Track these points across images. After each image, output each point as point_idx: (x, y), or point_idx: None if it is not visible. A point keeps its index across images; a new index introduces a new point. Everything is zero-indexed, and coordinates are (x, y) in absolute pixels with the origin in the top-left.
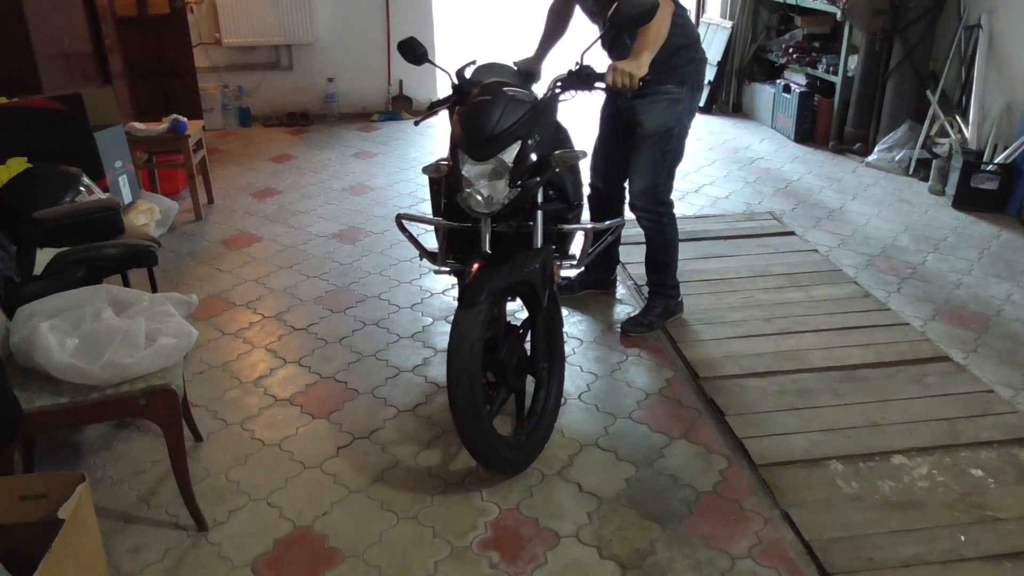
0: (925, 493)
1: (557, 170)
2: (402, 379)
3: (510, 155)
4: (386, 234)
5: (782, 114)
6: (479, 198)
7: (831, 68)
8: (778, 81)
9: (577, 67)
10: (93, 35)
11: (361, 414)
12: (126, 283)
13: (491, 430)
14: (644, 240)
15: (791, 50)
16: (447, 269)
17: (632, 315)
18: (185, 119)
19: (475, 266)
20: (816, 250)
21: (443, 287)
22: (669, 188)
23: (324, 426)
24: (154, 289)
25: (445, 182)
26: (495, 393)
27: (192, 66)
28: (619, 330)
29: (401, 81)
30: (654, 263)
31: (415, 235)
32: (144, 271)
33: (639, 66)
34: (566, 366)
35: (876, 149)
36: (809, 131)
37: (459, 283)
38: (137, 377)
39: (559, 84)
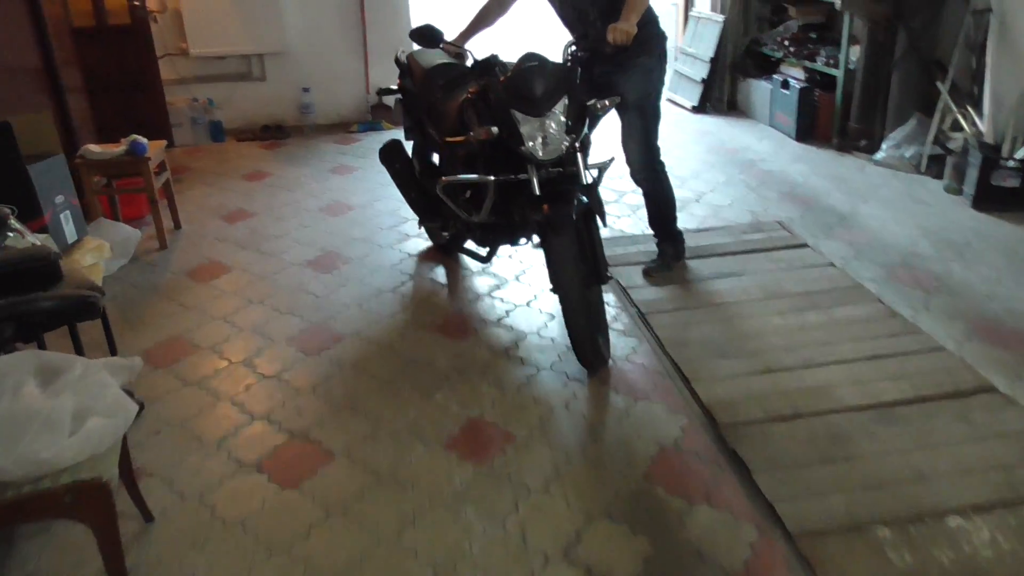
0: (992, 564)
1: (600, 116)
2: (382, 434)
3: (561, 108)
4: (366, 259)
5: (781, 111)
6: (544, 147)
7: (831, 61)
8: (775, 76)
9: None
10: (41, 48)
11: (336, 481)
12: (73, 331)
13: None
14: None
15: (786, 43)
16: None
17: (650, 265)
18: (145, 140)
19: (543, 206)
20: (832, 263)
21: (429, 318)
22: (658, 146)
23: (294, 498)
24: (108, 336)
25: (483, 145)
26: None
27: (157, 78)
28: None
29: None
30: (660, 217)
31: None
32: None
33: (632, 25)
34: (567, 413)
35: (884, 146)
36: (810, 128)
37: (527, 227)
38: (61, 470)
39: (573, 46)
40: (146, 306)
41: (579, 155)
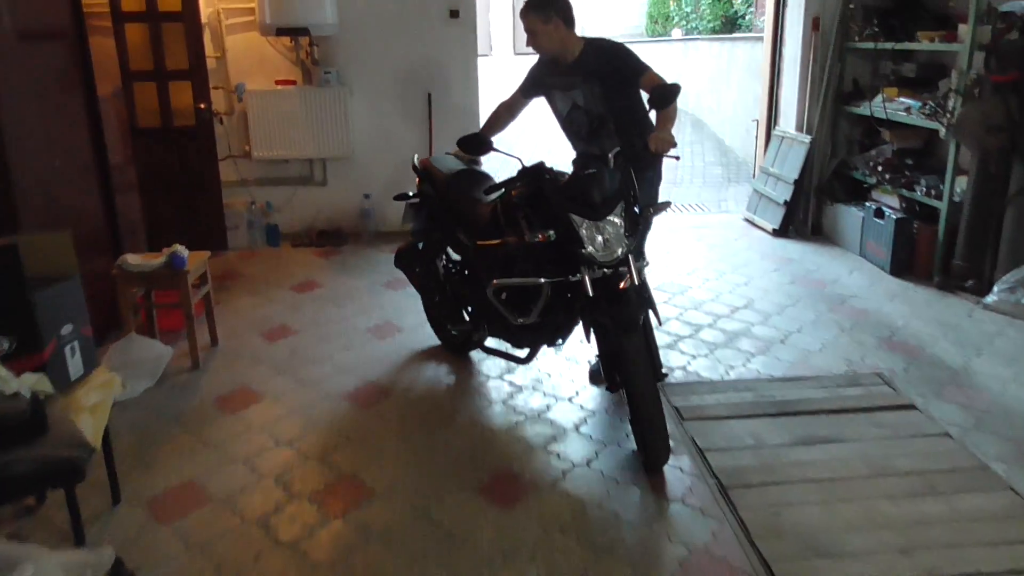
0: None
1: (651, 221)
2: None
3: (619, 213)
4: (409, 393)
5: (874, 241)
6: (604, 250)
7: (933, 191)
8: (867, 204)
9: (634, 143)
10: (95, 149)
11: None
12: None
13: None
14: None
15: (880, 168)
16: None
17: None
18: (185, 253)
19: (610, 307)
20: (947, 433)
21: (474, 475)
22: (645, 252)
23: None
24: (112, 477)
25: (528, 248)
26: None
27: (217, 180)
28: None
29: None
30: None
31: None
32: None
33: (672, 135)
34: None
35: (995, 288)
36: (907, 262)
37: (598, 333)
38: None
39: (620, 155)
40: (164, 440)
41: (630, 258)
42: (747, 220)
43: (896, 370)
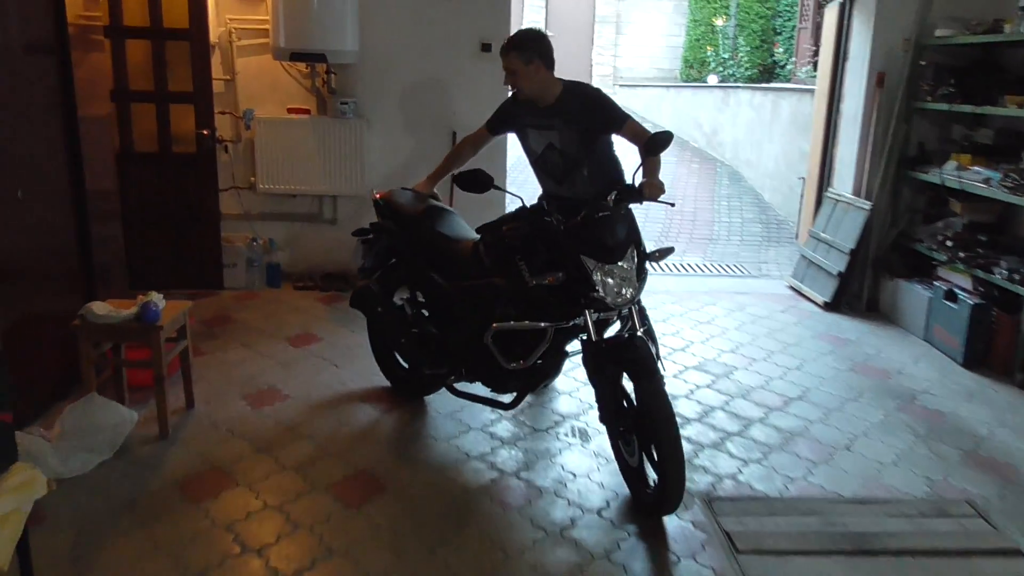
0: None
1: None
2: None
3: (630, 256)
4: (408, 490)
5: (943, 326)
6: (616, 294)
7: (1016, 275)
8: (936, 283)
9: (628, 186)
10: (71, 174)
11: None
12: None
13: None
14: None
15: (949, 243)
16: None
17: None
18: (159, 304)
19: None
20: None
21: None
22: None
23: None
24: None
25: (519, 292)
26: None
27: (216, 213)
28: None
29: None
30: None
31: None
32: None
33: (661, 181)
34: None
35: None
36: (983, 354)
37: (605, 370)
38: None
39: (618, 199)
40: (108, 538)
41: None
42: (793, 288)
43: (989, 497)
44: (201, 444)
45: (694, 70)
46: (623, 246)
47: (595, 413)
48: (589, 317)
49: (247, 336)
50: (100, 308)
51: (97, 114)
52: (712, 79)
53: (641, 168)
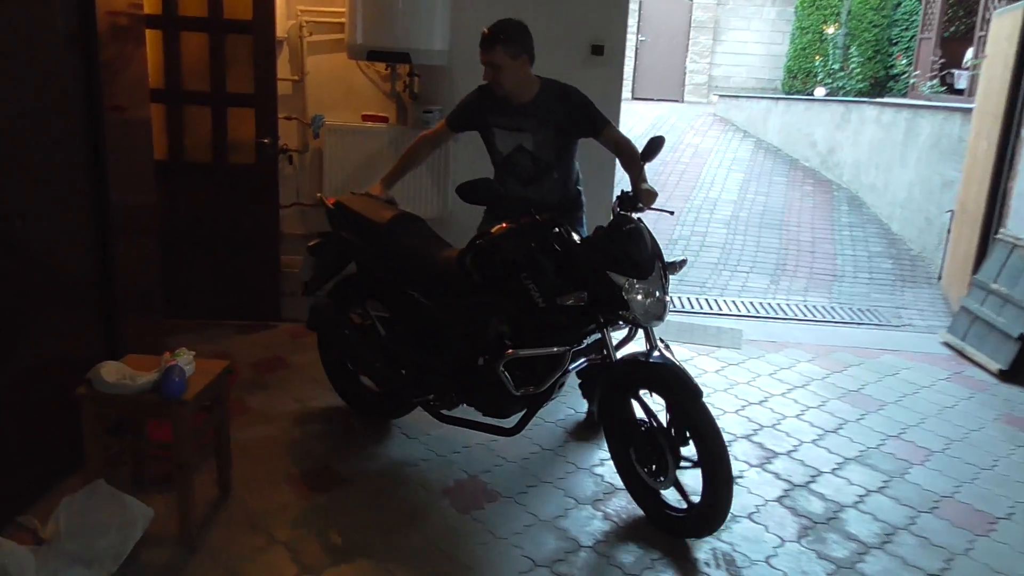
0: None
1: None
2: None
3: (659, 271)
4: None
5: None
6: (649, 311)
7: None
8: None
9: (630, 193)
10: (92, 185)
11: None
12: None
13: None
14: None
15: None
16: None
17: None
18: (189, 365)
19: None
20: None
21: None
22: None
23: None
24: None
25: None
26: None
27: (275, 234)
28: None
29: None
30: None
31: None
32: None
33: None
34: None
35: None
36: None
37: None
38: None
39: (621, 209)
40: None
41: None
42: (952, 347)
43: None
44: (233, 553)
45: (798, 81)
46: (651, 260)
47: None
48: (609, 336)
49: (303, 388)
50: (112, 372)
51: (131, 117)
52: (819, 91)
53: (630, 175)
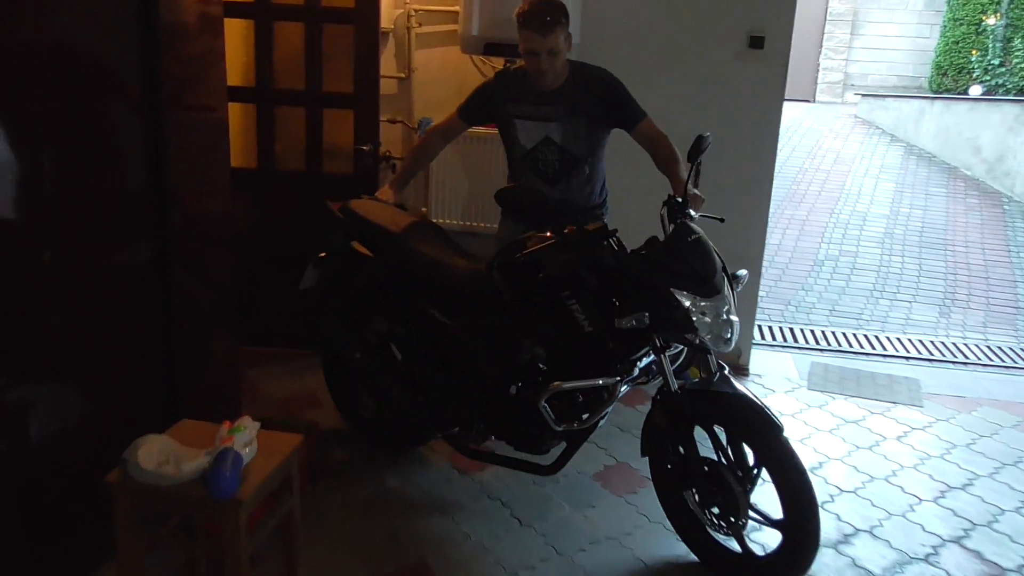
0: None
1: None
2: None
3: (728, 287)
4: None
5: None
6: (721, 333)
7: None
8: None
9: (679, 200)
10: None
11: None
12: None
13: None
14: None
15: None
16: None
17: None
18: (242, 456)
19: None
20: None
21: None
22: None
23: None
24: None
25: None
26: None
27: None
28: None
29: None
30: None
31: None
32: None
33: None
34: None
35: None
36: None
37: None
38: None
39: (669, 217)
40: None
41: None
42: None
43: None
44: None
45: (948, 78)
46: (721, 275)
47: None
48: (667, 363)
49: (396, 466)
50: (152, 454)
51: (202, 119)
52: (975, 89)
53: (671, 177)
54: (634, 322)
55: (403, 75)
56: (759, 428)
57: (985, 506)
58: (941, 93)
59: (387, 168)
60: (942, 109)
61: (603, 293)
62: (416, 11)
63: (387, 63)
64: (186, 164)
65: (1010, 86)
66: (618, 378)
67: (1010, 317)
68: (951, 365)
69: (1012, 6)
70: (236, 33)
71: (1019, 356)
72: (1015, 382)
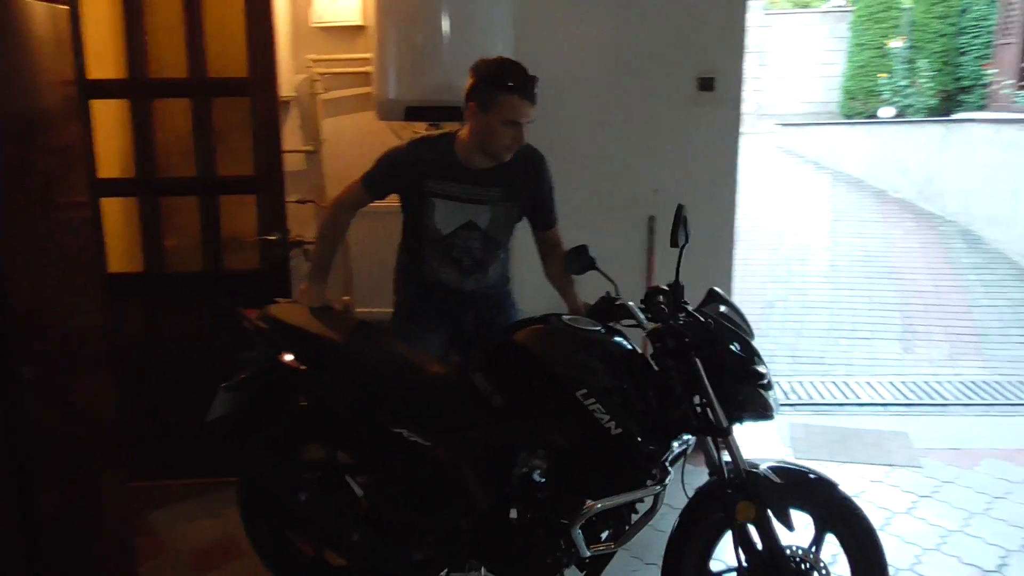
0: None
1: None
2: None
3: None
4: None
5: None
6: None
7: None
8: None
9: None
10: None
11: None
12: None
13: None
14: None
15: None
16: None
17: None
18: None
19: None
20: None
21: None
22: None
23: None
24: None
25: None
26: None
27: None
28: None
29: None
30: None
31: None
32: None
33: None
34: None
35: None
36: None
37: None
38: None
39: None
40: None
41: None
42: None
43: None
44: None
45: (858, 102)
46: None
47: None
48: (712, 447)
49: None
50: None
51: (62, 220)
52: (885, 111)
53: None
54: (689, 410)
55: (311, 148)
56: (846, 513)
57: None
58: (852, 117)
59: (299, 255)
60: (864, 134)
61: (634, 385)
62: (321, 75)
63: (291, 136)
64: (37, 277)
65: (919, 106)
66: (660, 486)
67: (974, 346)
68: (934, 409)
69: (913, 28)
70: (110, 116)
71: (997, 391)
72: (1005, 425)
